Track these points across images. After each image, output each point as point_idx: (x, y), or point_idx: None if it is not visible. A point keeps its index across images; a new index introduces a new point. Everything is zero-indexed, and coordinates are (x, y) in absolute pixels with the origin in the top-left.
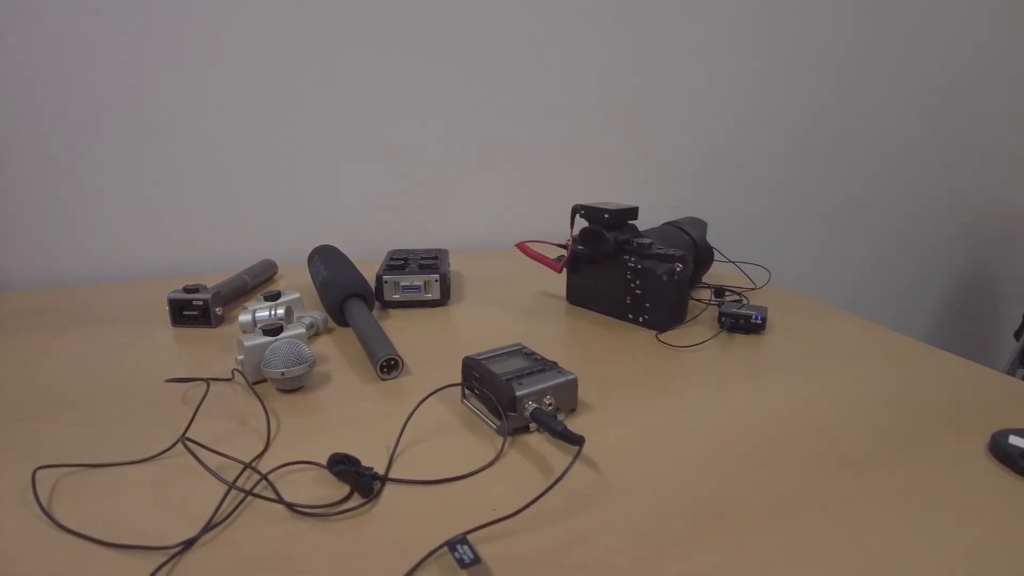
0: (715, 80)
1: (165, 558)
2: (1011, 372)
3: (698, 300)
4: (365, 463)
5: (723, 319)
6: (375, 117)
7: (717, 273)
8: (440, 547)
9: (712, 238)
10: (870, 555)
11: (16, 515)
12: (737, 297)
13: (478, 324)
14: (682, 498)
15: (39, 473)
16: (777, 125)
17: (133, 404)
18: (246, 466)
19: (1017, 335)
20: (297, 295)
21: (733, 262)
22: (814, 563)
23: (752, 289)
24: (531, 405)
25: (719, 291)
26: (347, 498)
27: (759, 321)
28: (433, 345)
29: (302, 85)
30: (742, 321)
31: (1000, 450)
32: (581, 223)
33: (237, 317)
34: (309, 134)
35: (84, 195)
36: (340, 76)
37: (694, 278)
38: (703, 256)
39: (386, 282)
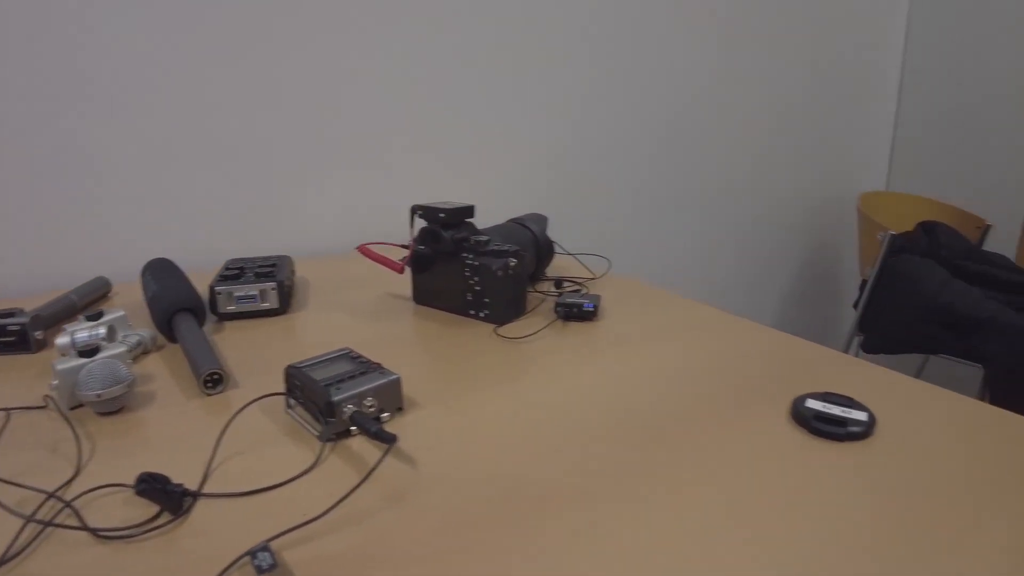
0: (553, 78)
1: None
2: (851, 339)
3: (540, 292)
4: (186, 480)
5: (558, 308)
6: (214, 121)
7: (562, 265)
8: (242, 556)
9: (558, 232)
10: (677, 525)
11: None
12: (577, 287)
13: (319, 331)
14: (493, 484)
15: None
16: (616, 122)
17: None
18: (49, 495)
19: (856, 305)
20: (121, 313)
21: (571, 254)
22: (621, 537)
23: (592, 279)
24: (350, 409)
25: (558, 282)
26: (156, 517)
27: (591, 308)
28: (269, 356)
29: (131, 82)
30: (575, 309)
31: (798, 414)
32: (421, 223)
33: None
34: (145, 142)
35: None
36: (172, 74)
37: (537, 271)
38: (544, 250)
39: (219, 293)
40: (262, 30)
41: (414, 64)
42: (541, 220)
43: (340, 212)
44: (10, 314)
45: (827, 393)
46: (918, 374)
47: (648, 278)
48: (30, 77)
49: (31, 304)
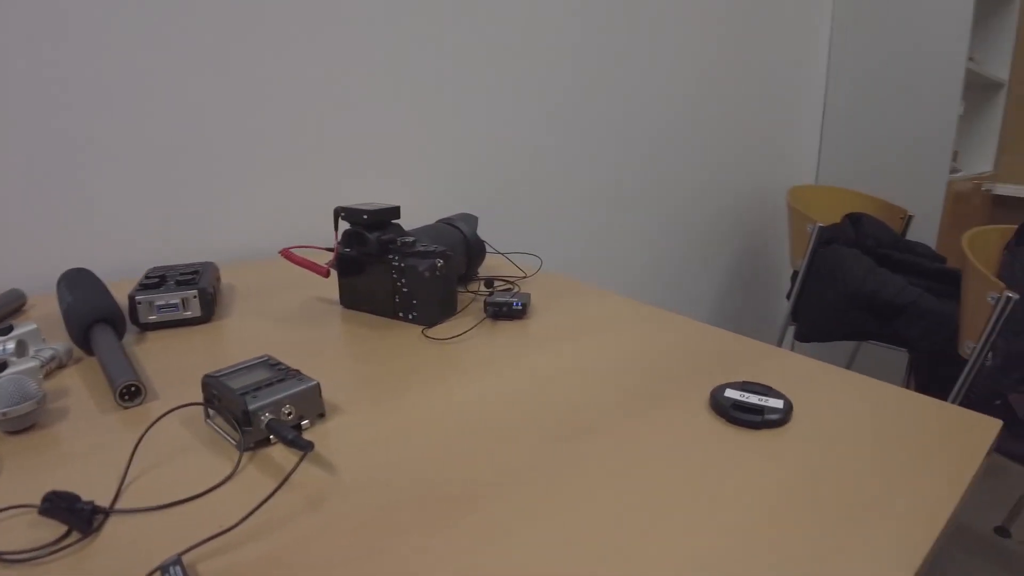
0: (481, 78)
1: None
2: (785, 329)
3: (471, 292)
4: (100, 496)
5: (487, 308)
6: (132, 123)
7: (494, 265)
8: (152, 573)
9: (490, 232)
10: (599, 517)
11: None
12: (508, 286)
13: (244, 339)
14: (413, 486)
15: None
16: (545, 120)
17: None
18: None
19: (789, 296)
20: (33, 327)
21: (502, 253)
22: (542, 531)
23: (523, 278)
24: (267, 417)
25: (488, 282)
26: (64, 537)
27: (519, 307)
28: (191, 366)
29: (39, 81)
30: (504, 308)
31: (716, 403)
32: (345, 226)
33: None
34: (59, 144)
35: None
36: (85, 73)
37: (468, 271)
38: (475, 250)
39: (139, 303)
40: (182, 34)
41: (341, 64)
42: (471, 220)
43: (267, 215)
44: None
45: (745, 382)
46: (850, 361)
47: (582, 276)
48: None
49: None
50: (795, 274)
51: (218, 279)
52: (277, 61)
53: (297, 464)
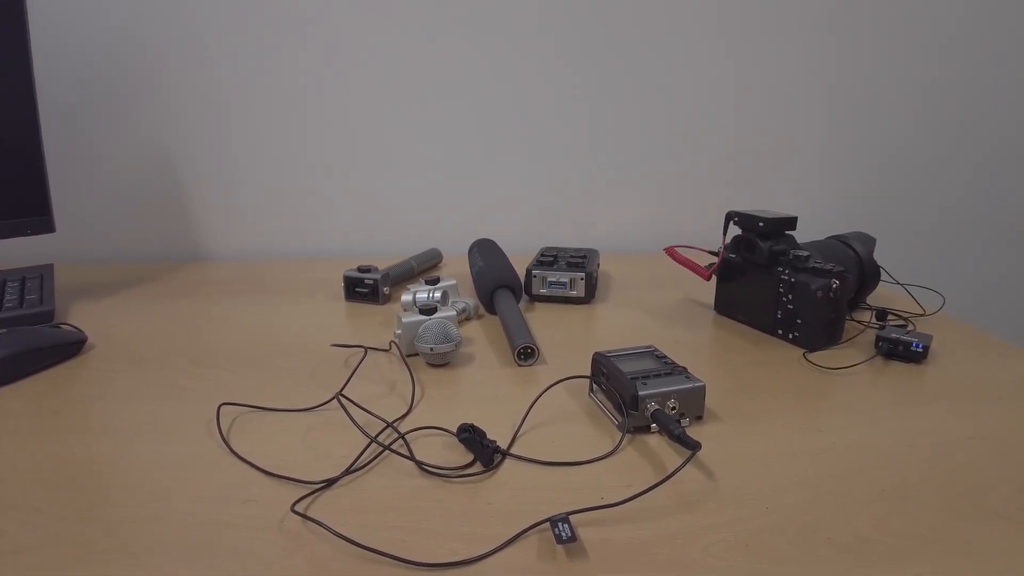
0: (888, 81)
1: (309, 491)
2: None
3: (857, 321)
4: (491, 437)
5: (880, 343)
6: (533, 119)
7: (883, 295)
8: (543, 521)
9: (881, 257)
10: None
11: (201, 439)
12: (902, 322)
13: (618, 324)
14: (794, 518)
15: (222, 408)
16: (963, 135)
17: (302, 362)
18: (388, 425)
19: None
20: (453, 282)
21: (902, 284)
22: None
23: (920, 316)
24: (653, 406)
25: (881, 314)
26: (470, 465)
27: (919, 349)
28: (572, 340)
29: (458, 88)
30: (901, 347)
31: None
32: (735, 231)
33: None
34: (475, 137)
35: (286, 186)
36: (499, 79)
37: (856, 298)
38: (868, 275)
39: (534, 276)
40: (590, 38)
41: (732, 72)
42: (867, 240)
43: (644, 212)
44: (368, 270)
45: None
46: None
47: (973, 321)
48: (400, 84)
49: (374, 262)
50: None
51: (598, 265)
52: (669, 69)
53: (684, 463)
